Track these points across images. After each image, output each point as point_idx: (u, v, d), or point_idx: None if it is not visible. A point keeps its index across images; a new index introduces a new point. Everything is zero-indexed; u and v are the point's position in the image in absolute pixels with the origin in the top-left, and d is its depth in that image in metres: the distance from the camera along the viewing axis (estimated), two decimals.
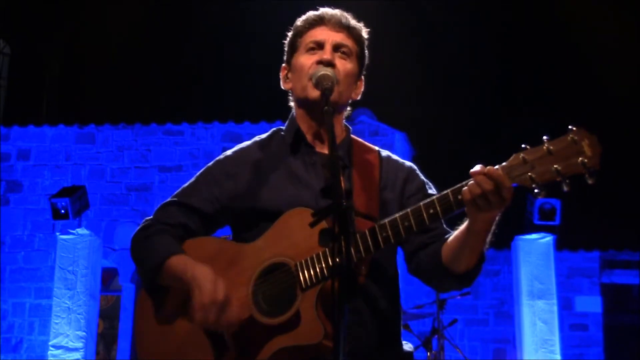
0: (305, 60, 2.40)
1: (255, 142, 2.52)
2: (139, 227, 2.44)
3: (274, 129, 2.55)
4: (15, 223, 10.23)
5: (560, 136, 1.98)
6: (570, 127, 1.97)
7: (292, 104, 2.51)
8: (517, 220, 9.01)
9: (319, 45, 2.41)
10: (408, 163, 2.51)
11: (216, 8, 11.65)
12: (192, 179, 2.50)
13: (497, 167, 2.01)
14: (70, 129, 10.56)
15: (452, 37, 11.16)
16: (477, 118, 11.06)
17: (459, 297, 7.57)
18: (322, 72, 2.30)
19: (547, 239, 8.69)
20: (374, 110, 10.18)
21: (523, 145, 2.01)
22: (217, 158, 2.50)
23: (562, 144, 1.96)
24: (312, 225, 2.02)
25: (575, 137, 1.95)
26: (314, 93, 2.32)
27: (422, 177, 2.46)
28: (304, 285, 2.16)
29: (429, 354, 6.92)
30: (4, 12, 12.11)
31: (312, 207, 2.21)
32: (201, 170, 2.50)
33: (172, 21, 12.14)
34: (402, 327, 2.45)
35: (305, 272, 2.16)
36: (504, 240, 9.60)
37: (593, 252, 10.60)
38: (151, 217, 2.46)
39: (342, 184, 2.26)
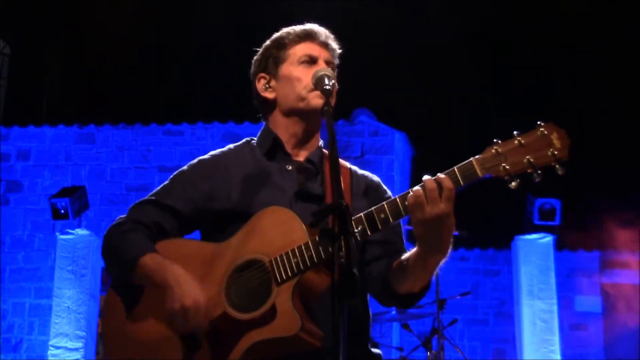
0: (301, 73, 2.45)
1: (230, 149, 2.56)
2: (112, 224, 2.45)
3: (246, 139, 2.59)
4: (15, 223, 10.22)
5: (529, 130, 2.06)
6: (539, 122, 2.05)
7: (260, 115, 2.57)
8: (517, 220, 9.00)
9: (313, 60, 2.46)
10: (376, 177, 2.58)
11: (216, 8, 11.65)
12: (167, 181, 2.52)
13: (471, 158, 2.07)
14: (70, 129, 10.55)
15: (452, 36, 11.16)
16: (477, 118, 11.05)
17: (459, 297, 7.57)
18: (323, 72, 2.34)
19: (547, 239, 8.69)
20: (374, 110, 10.16)
21: (495, 140, 2.07)
22: (191, 162, 2.54)
23: (532, 137, 2.04)
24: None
25: (545, 131, 2.02)
26: (318, 101, 2.37)
27: (389, 192, 2.52)
28: (279, 280, 2.16)
29: (429, 354, 6.92)
30: (4, 12, 12.11)
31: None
32: (175, 173, 2.53)
33: (172, 21, 12.13)
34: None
35: (281, 267, 2.17)
36: (504, 240, 9.60)
37: (593, 252, 10.59)
38: (125, 215, 2.47)
39: (314, 189, 2.37)
